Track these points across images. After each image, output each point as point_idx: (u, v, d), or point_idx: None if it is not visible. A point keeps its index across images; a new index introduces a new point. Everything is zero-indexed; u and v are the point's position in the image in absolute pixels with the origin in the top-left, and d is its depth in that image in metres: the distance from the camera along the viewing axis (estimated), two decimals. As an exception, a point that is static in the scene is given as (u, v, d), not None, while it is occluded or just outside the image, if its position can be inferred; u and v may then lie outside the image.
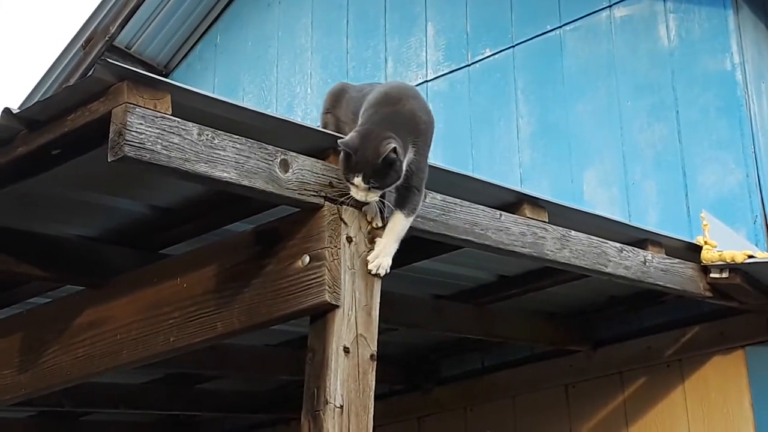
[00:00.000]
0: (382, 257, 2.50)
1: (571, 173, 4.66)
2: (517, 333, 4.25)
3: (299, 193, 2.43)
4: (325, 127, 2.82)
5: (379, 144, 2.39)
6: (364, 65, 5.58)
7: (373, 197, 2.43)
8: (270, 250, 2.57)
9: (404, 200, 2.52)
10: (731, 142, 4.26)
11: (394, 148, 2.38)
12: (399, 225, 2.52)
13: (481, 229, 2.87)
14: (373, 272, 2.49)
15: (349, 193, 2.45)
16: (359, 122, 2.53)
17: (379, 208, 2.53)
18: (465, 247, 2.97)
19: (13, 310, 3.38)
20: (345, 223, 2.48)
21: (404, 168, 2.45)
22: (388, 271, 2.51)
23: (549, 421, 4.46)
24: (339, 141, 2.42)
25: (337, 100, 2.94)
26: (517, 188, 3.19)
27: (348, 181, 2.43)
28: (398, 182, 2.45)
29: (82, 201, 2.79)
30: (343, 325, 2.41)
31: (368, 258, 2.50)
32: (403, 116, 2.52)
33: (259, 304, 2.54)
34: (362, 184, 2.40)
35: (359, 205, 2.49)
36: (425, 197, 2.62)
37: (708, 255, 3.67)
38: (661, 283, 3.51)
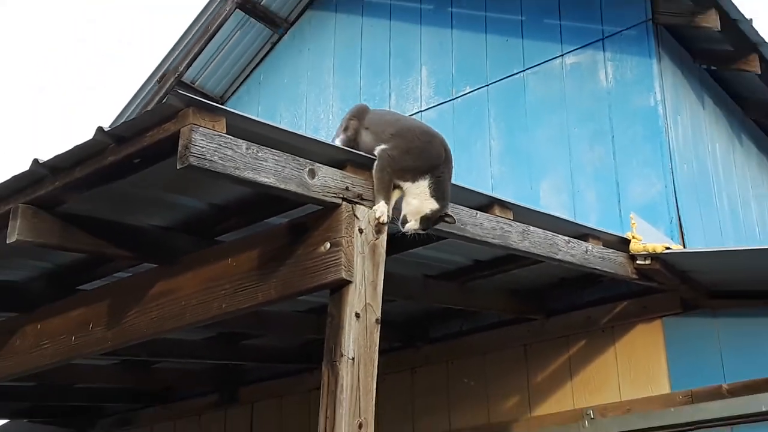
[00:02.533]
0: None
1: (531, 183, 4.65)
2: (488, 305, 4.24)
3: (323, 195, 2.43)
4: (346, 129, 2.80)
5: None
6: (373, 98, 5.57)
7: None
8: (300, 238, 2.56)
9: None
10: (654, 161, 4.25)
11: None
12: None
13: (462, 224, 2.87)
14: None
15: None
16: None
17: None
18: (449, 238, 2.97)
19: (102, 282, 3.38)
20: (357, 218, 2.49)
21: None
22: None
23: (511, 373, 4.45)
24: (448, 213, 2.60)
25: (360, 115, 2.86)
26: (489, 193, 3.18)
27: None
28: None
29: (157, 198, 2.78)
30: (355, 296, 2.41)
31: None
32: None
33: (291, 280, 2.54)
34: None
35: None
36: None
37: (635, 246, 3.67)
38: (599, 268, 3.51)
